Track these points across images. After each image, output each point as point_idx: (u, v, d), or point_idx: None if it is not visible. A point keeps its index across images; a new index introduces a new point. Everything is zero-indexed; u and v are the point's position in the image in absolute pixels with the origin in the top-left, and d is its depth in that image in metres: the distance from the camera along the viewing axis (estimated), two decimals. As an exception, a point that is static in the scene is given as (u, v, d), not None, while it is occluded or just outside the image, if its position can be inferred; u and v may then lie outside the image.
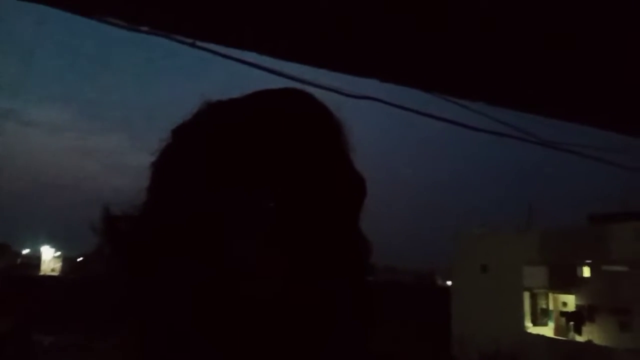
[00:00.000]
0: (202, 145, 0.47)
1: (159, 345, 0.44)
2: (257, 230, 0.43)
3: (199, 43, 2.03)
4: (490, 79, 1.96)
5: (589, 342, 19.68)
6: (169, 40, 1.91)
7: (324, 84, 2.45)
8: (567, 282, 20.92)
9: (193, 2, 1.65)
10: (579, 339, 20.33)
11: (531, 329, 21.72)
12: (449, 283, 28.25)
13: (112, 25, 1.64)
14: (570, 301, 21.50)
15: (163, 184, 0.48)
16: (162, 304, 0.44)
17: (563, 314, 21.76)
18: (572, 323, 20.96)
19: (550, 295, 22.46)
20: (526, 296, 22.01)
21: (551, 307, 22.54)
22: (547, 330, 21.79)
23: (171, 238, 0.44)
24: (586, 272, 20.80)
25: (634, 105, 2.17)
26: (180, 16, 1.73)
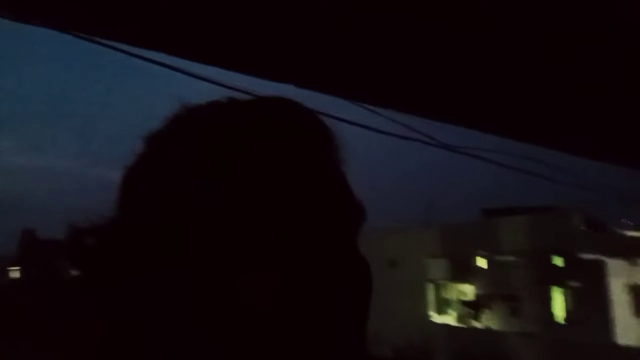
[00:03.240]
0: (190, 148, 0.45)
1: (159, 352, 0.43)
2: (255, 234, 0.42)
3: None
4: (403, 88, 2.05)
5: (486, 328, 21.28)
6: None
7: (233, 83, 2.43)
8: (465, 272, 22.45)
9: None
10: (478, 325, 21.90)
11: (435, 318, 23.02)
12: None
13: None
14: (469, 290, 23.09)
15: (149, 189, 0.45)
16: (161, 310, 0.43)
17: (463, 302, 23.33)
18: (471, 311, 22.53)
19: (452, 286, 23.97)
20: (430, 287, 23.28)
21: (453, 296, 24.05)
22: (450, 319, 23.24)
23: (164, 241, 0.43)
24: (483, 263, 22.45)
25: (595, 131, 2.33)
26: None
